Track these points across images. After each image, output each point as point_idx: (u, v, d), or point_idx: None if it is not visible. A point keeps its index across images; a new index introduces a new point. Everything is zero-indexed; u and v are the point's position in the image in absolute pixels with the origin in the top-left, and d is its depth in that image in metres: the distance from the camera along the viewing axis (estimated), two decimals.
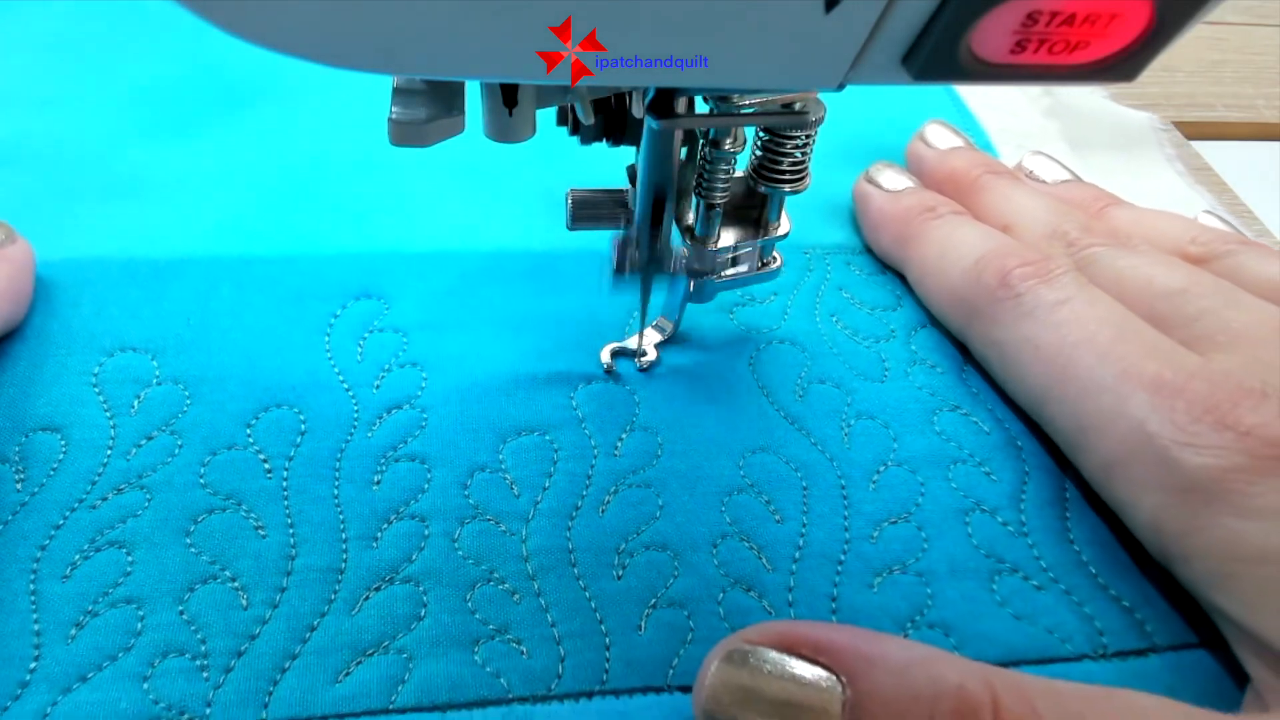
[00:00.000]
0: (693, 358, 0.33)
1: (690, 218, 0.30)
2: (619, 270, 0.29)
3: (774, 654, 0.22)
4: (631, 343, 0.32)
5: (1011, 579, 0.28)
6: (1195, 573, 0.25)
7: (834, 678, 0.21)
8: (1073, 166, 0.41)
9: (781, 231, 0.31)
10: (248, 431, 0.30)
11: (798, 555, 0.28)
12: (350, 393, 0.31)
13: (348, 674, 0.24)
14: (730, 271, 0.31)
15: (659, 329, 0.33)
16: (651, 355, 0.32)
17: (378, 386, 0.31)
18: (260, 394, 0.31)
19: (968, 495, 0.30)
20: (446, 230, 0.37)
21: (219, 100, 0.43)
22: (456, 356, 0.33)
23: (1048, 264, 0.30)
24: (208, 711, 0.24)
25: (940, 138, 0.40)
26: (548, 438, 0.30)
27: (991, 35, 0.17)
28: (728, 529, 0.28)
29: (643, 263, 0.29)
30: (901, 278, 0.37)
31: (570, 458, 0.30)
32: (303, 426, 0.30)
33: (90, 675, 0.24)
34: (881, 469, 0.30)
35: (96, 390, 0.30)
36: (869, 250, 0.38)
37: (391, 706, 0.24)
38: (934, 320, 0.35)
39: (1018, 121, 0.45)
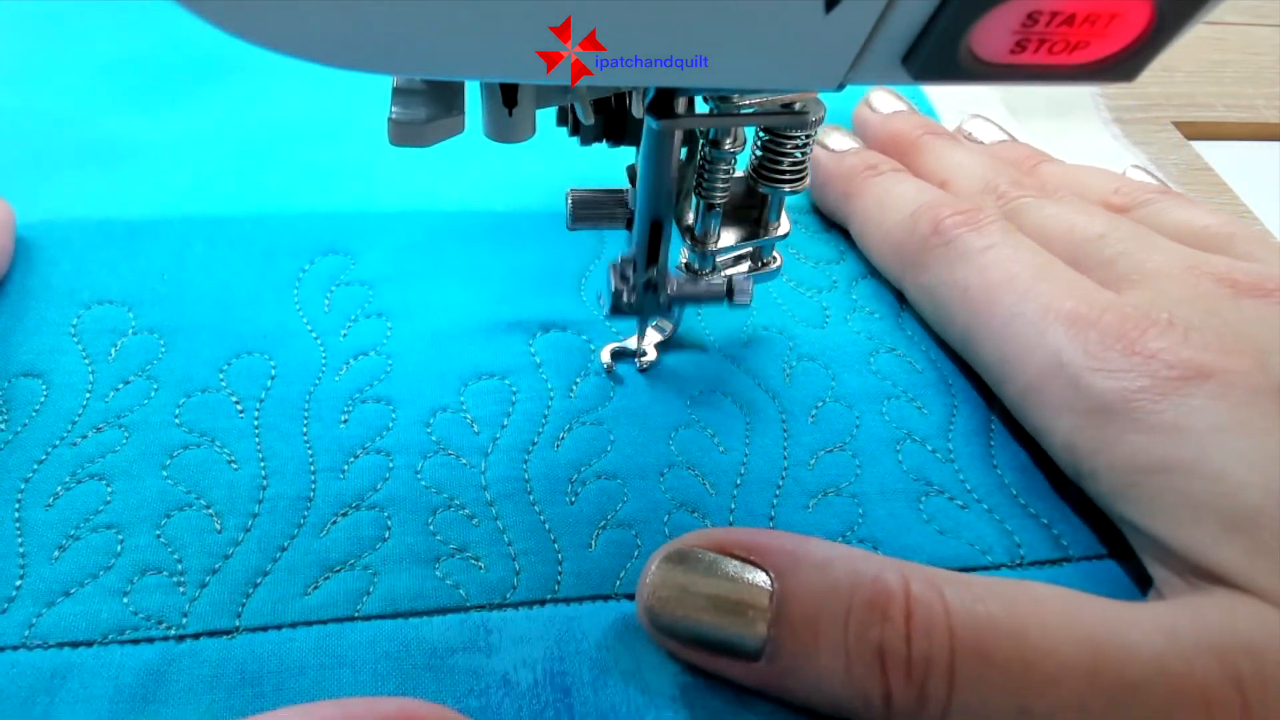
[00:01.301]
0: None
1: (690, 218, 0.30)
2: (616, 302, 0.29)
3: (709, 554, 0.24)
4: (631, 343, 0.33)
5: (938, 499, 0.30)
6: (1103, 486, 0.27)
7: (763, 574, 0.23)
8: (1013, 131, 0.44)
9: (781, 231, 0.31)
10: (220, 376, 0.31)
11: (739, 481, 0.30)
12: (319, 340, 0.33)
13: (316, 587, 0.26)
14: (730, 271, 0.32)
15: (659, 329, 0.34)
16: (651, 355, 0.33)
17: (345, 335, 0.33)
18: (232, 342, 0.32)
19: (900, 426, 0.32)
20: (412, 191, 0.39)
21: (191, 69, 0.44)
22: (420, 307, 0.34)
23: (977, 213, 0.32)
24: (184, 621, 0.25)
25: (884, 103, 0.42)
26: (507, 381, 0.32)
27: (991, 35, 0.17)
28: (675, 459, 0.30)
29: (639, 290, 0.29)
30: (846, 234, 0.39)
31: (528, 399, 0.32)
32: (273, 371, 0.32)
33: (73, 590, 0.26)
34: (820, 405, 0.32)
35: (75, 340, 0.32)
36: (815, 209, 0.40)
37: (357, 614, 0.26)
38: (874, 272, 0.37)
39: (958, 87, 0.47)
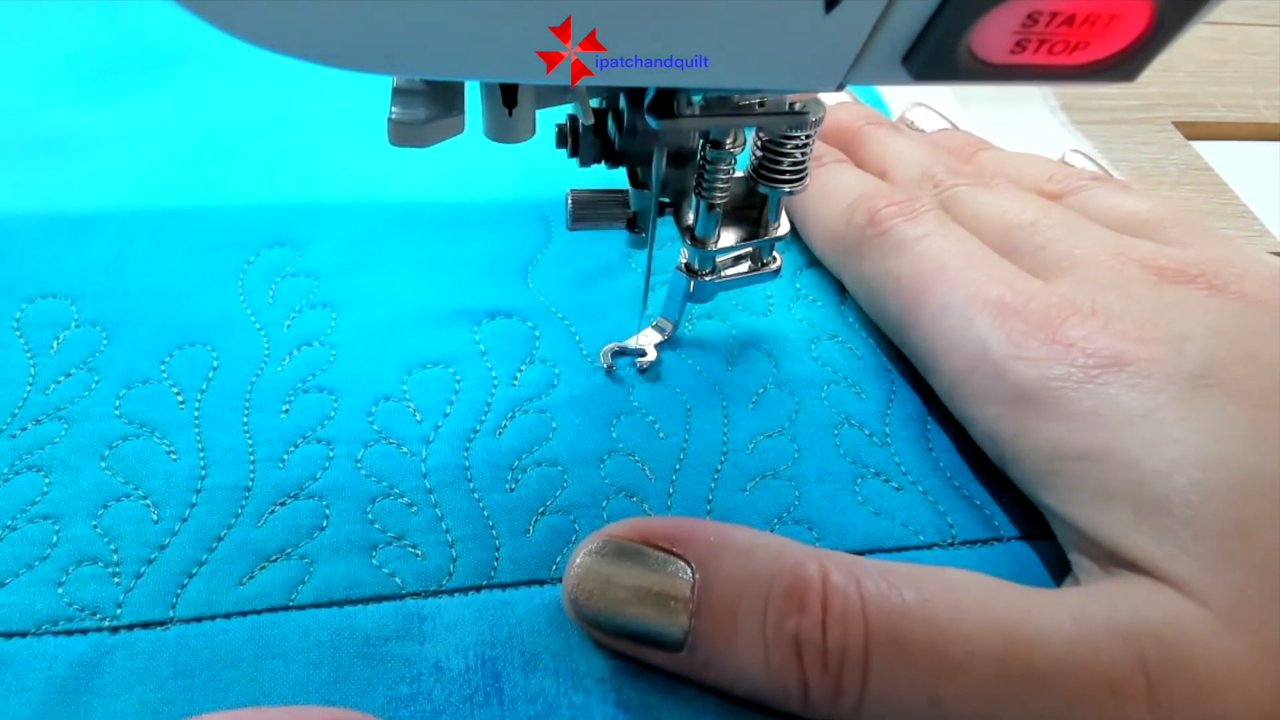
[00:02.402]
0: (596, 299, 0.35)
1: (690, 218, 0.30)
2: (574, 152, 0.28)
3: (633, 545, 0.24)
4: (632, 343, 0.33)
5: (874, 481, 0.30)
6: (1025, 472, 0.27)
7: (685, 564, 0.24)
8: (959, 118, 0.44)
9: (781, 231, 0.31)
10: (162, 367, 0.31)
11: (679, 466, 0.30)
12: (262, 331, 0.33)
13: (251, 577, 0.26)
14: (730, 271, 0.32)
15: (659, 329, 0.34)
16: (651, 355, 0.33)
17: (289, 325, 0.33)
18: (174, 334, 0.32)
19: (838, 411, 0.32)
20: (357, 184, 0.39)
21: (137, 64, 0.44)
22: (365, 298, 0.34)
23: (912, 204, 0.33)
24: (118, 612, 0.25)
25: (828, 94, 0.42)
26: (451, 370, 0.32)
27: (991, 35, 0.17)
28: (615, 445, 0.30)
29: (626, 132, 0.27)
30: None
31: (471, 387, 0.32)
32: (215, 362, 0.32)
33: (7, 581, 0.26)
34: (761, 391, 0.32)
35: (18, 333, 0.32)
36: None
37: (292, 604, 0.26)
38: (818, 260, 0.38)
39: None
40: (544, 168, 0.39)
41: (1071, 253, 0.30)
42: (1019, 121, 0.46)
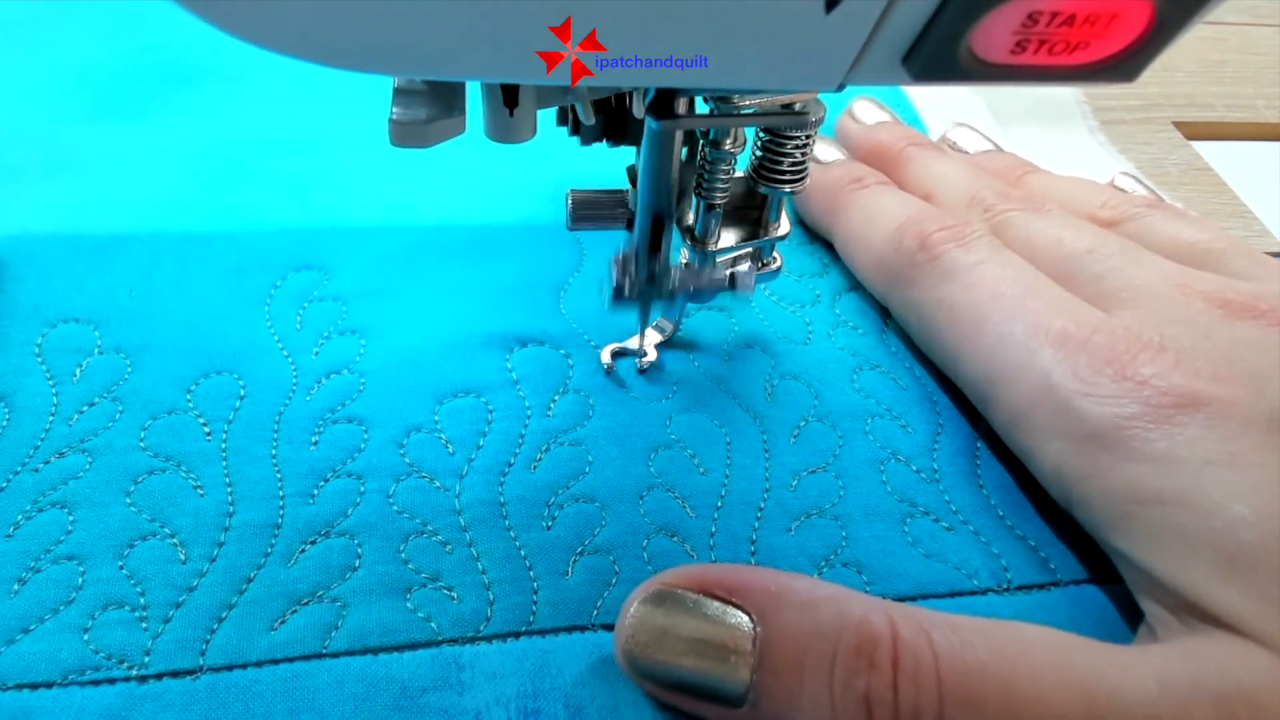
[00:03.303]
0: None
1: (690, 218, 0.30)
2: (618, 295, 0.29)
3: (690, 595, 0.23)
4: (632, 343, 0.33)
5: (923, 521, 0.29)
6: (1094, 515, 0.26)
7: (745, 616, 0.23)
8: (998, 138, 0.43)
9: (781, 231, 0.31)
10: (188, 397, 0.30)
11: (720, 503, 0.29)
12: (289, 359, 0.32)
13: (283, 622, 0.25)
14: (732, 269, 0.31)
15: (659, 329, 0.33)
16: (651, 356, 0.33)
17: (316, 353, 0.32)
18: (201, 361, 0.31)
19: (884, 446, 0.31)
20: (385, 205, 0.38)
21: (160, 81, 0.43)
22: (395, 323, 0.34)
23: (964, 228, 0.32)
24: (146, 660, 0.24)
25: (867, 113, 0.41)
26: (483, 399, 0.31)
27: (992, 35, 0.17)
28: (654, 481, 0.29)
29: (641, 283, 0.29)
30: (830, 247, 0.38)
31: (505, 418, 0.31)
32: (242, 391, 0.31)
33: (32, 627, 0.25)
34: (803, 424, 0.31)
35: (39, 360, 0.31)
36: (800, 221, 0.39)
37: (325, 651, 0.25)
38: (858, 286, 0.37)
39: (944, 94, 0.46)
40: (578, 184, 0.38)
41: (1132, 283, 0.28)
42: (1056, 141, 0.45)
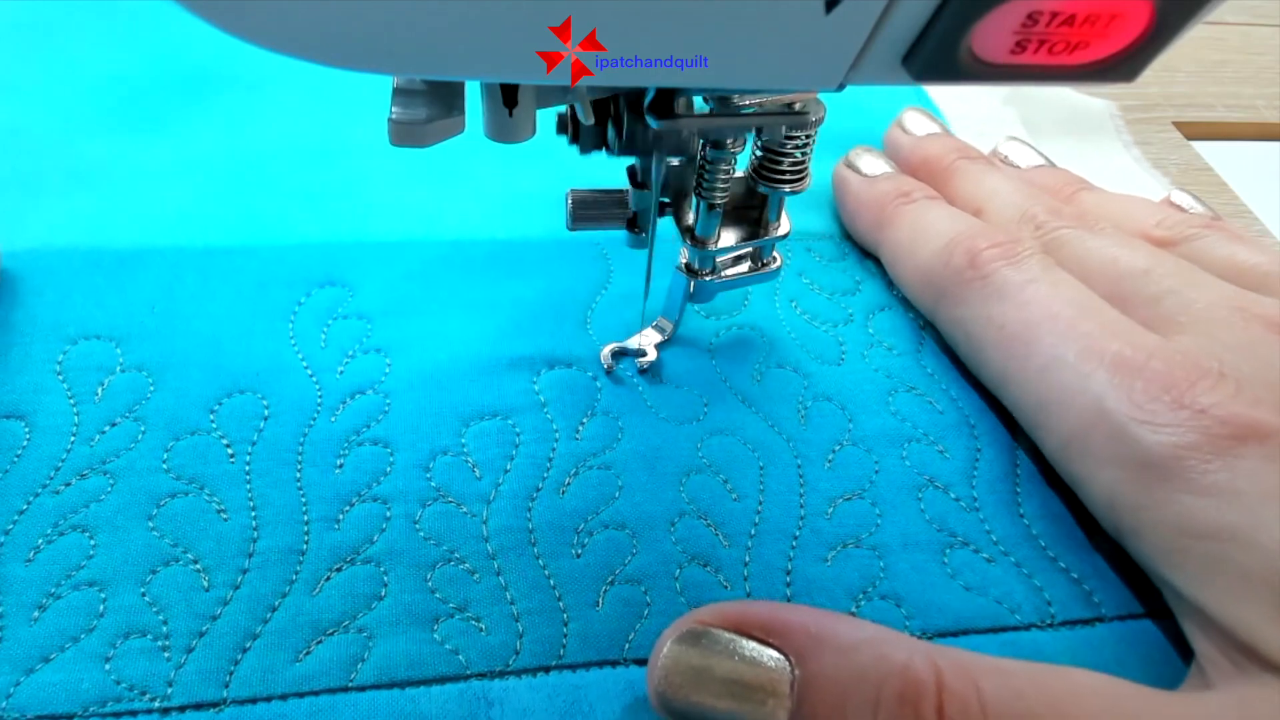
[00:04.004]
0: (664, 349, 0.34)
1: (690, 218, 0.30)
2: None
3: (726, 635, 0.22)
4: (632, 343, 0.32)
5: (962, 552, 0.28)
6: (1147, 547, 0.25)
7: (783, 658, 0.22)
8: None
9: (782, 231, 0.31)
10: (211, 417, 0.30)
11: (754, 531, 0.28)
12: (314, 378, 0.31)
13: (308, 653, 0.25)
14: (730, 271, 0.31)
15: (659, 329, 0.33)
16: (652, 355, 0.32)
17: (341, 372, 0.32)
18: (224, 380, 0.31)
19: (921, 472, 0.30)
20: (410, 218, 0.38)
21: (181, 90, 0.43)
22: (420, 342, 0.33)
23: (1015, 246, 0.31)
24: (169, 691, 0.24)
25: (917, 124, 0.40)
26: (510, 422, 0.31)
27: (992, 35, 0.17)
28: (685, 507, 0.29)
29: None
30: (875, 261, 0.37)
31: (532, 441, 0.30)
32: (266, 412, 0.30)
33: (53, 656, 0.24)
34: (837, 448, 0.31)
35: (60, 378, 0.31)
36: (846, 236, 0.39)
37: (351, 684, 0.24)
38: (893, 303, 0.36)
39: (976, 108, 0.46)
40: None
41: (1190, 307, 0.28)
42: (1090, 154, 0.44)
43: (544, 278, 0.36)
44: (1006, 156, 0.40)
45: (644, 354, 0.32)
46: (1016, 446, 0.31)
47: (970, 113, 0.45)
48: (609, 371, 0.32)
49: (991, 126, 0.44)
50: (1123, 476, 0.25)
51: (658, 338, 0.33)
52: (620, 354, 0.32)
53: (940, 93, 0.46)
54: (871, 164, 0.38)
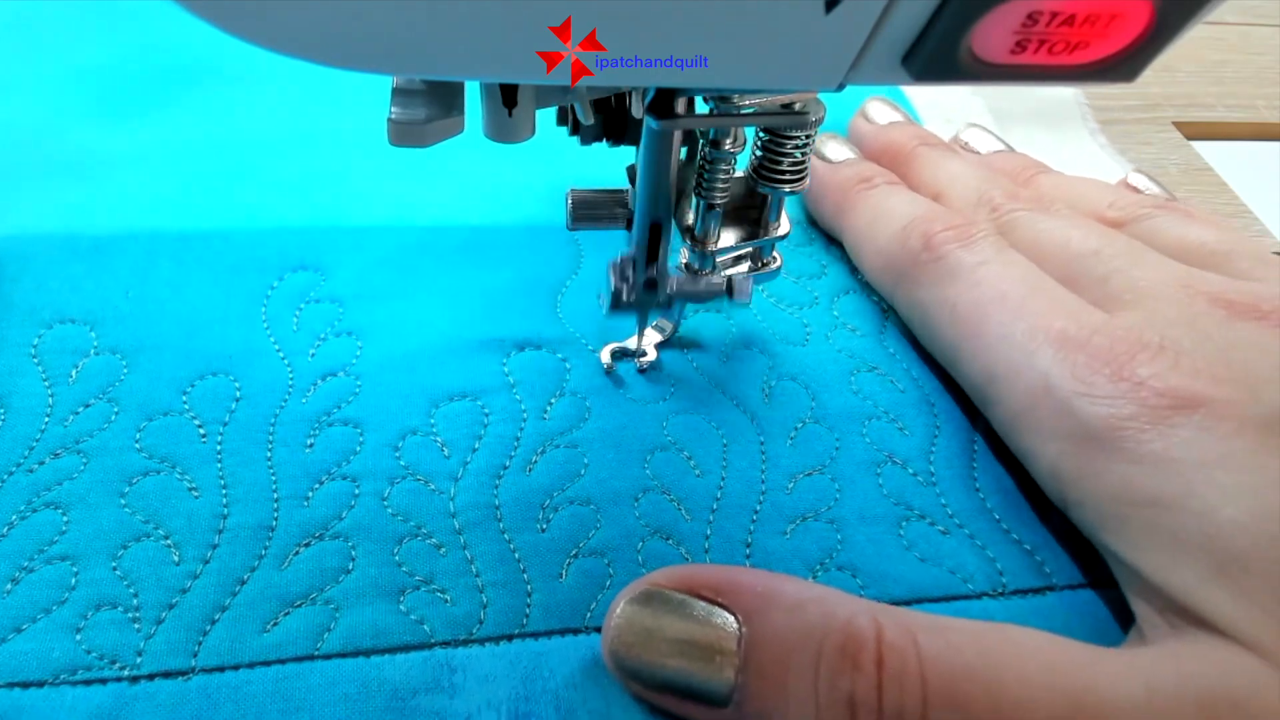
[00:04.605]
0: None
1: (690, 218, 0.30)
2: (616, 301, 0.29)
3: (677, 595, 0.23)
4: (631, 343, 0.33)
5: (919, 524, 0.29)
6: (1089, 516, 0.26)
7: (731, 617, 0.22)
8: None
9: (781, 231, 0.31)
10: (183, 398, 0.30)
11: (715, 506, 0.29)
12: (286, 361, 0.32)
13: (275, 624, 0.25)
14: (730, 271, 0.32)
15: (659, 329, 0.33)
16: (651, 355, 0.33)
17: (313, 354, 0.32)
18: (197, 363, 0.31)
19: (880, 449, 0.31)
20: (384, 205, 0.38)
21: (159, 79, 0.43)
22: (392, 325, 0.33)
23: (969, 228, 0.32)
24: (139, 660, 0.24)
25: (879, 113, 0.41)
26: (479, 402, 0.31)
27: (991, 35, 0.17)
28: (649, 483, 0.29)
29: (639, 288, 0.29)
30: (841, 246, 0.38)
31: (500, 421, 0.31)
32: (238, 393, 0.31)
33: (25, 627, 0.25)
34: (800, 426, 0.31)
35: (35, 361, 0.31)
36: (813, 222, 0.39)
37: (317, 653, 0.25)
38: (857, 287, 0.36)
39: (945, 95, 0.46)
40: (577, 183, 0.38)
41: (1136, 284, 0.28)
42: (1057, 143, 0.45)
43: (516, 264, 0.36)
44: (967, 143, 0.40)
45: (643, 354, 0.33)
46: (974, 424, 0.32)
47: (939, 100, 0.46)
48: (609, 372, 0.32)
49: (960, 114, 0.45)
50: (1066, 449, 0.26)
51: (657, 338, 0.33)
52: (620, 354, 0.33)
53: None
54: (836, 150, 0.39)
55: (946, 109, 0.46)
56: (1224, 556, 0.22)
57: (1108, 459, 0.25)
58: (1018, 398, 0.28)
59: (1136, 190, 0.36)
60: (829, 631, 0.22)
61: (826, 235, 0.39)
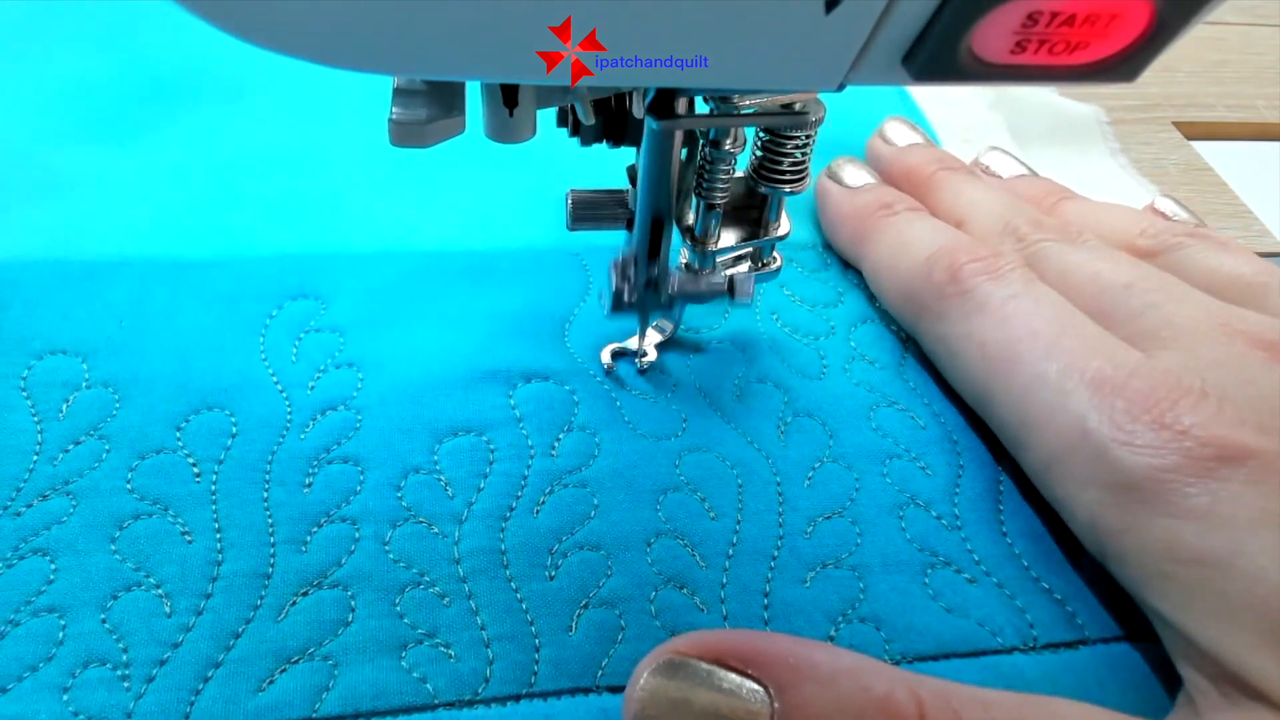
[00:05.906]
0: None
1: (690, 218, 0.30)
2: (617, 302, 0.28)
3: (704, 666, 0.22)
4: (632, 344, 0.32)
5: (944, 572, 0.28)
6: (1131, 572, 0.25)
7: (762, 689, 0.21)
8: (1017, 158, 0.42)
9: (781, 232, 0.31)
10: (177, 435, 0.29)
11: (731, 552, 0.28)
12: (284, 394, 0.31)
13: (271, 682, 0.24)
14: (730, 271, 0.31)
15: (659, 329, 0.33)
16: (651, 356, 0.32)
17: (312, 387, 0.31)
18: (191, 396, 0.30)
19: (902, 490, 0.30)
20: (385, 230, 0.37)
21: (152, 98, 0.42)
22: (394, 356, 0.32)
23: (996, 260, 0.30)
24: None
25: (899, 134, 0.40)
26: (484, 438, 0.30)
27: (992, 36, 0.17)
28: (662, 527, 0.28)
29: (640, 288, 0.28)
30: (858, 272, 0.37)
31: (506, 458, 0.30)
32: (234, 429, 0.30)
33: (10, 687, 0.24)
34: (817, 465, 0.30)
35: (24, 394, 0.30)
36: (828, 246, 0.38)
37: (314, 715, 0.24)
38: (875, 316, 0.35)
39: (962, 114, 0.45)
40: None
41: (1172, 321, 0.27)
42: (1077, 162, 0.44)
43: (522, 289, 0.35)
44: (988, 167, 0.39)
45: (644, 354, 0.32)
46: (1000, 463, 0.30)
47: (956, 119, 0.45)
48: (609, 372, 0.32)
49: (977, 133, 0.44)
50: (1104, 499, 0.25)
51: (658, 338, 0.33)
52: (620, 354, 0.32)
53: (926, 99, 0.46)
54: (854, 175, 0.37)
55: (965, 128, 0.44)
56: (1276, 622, 0.21)
57: (1150, 512, 0.24)
58: (1053, 443, 0.27)
59: (1165, 216, 0.35)
60: (866, 707, 0.20)
61: (842, 260, 0.38)
